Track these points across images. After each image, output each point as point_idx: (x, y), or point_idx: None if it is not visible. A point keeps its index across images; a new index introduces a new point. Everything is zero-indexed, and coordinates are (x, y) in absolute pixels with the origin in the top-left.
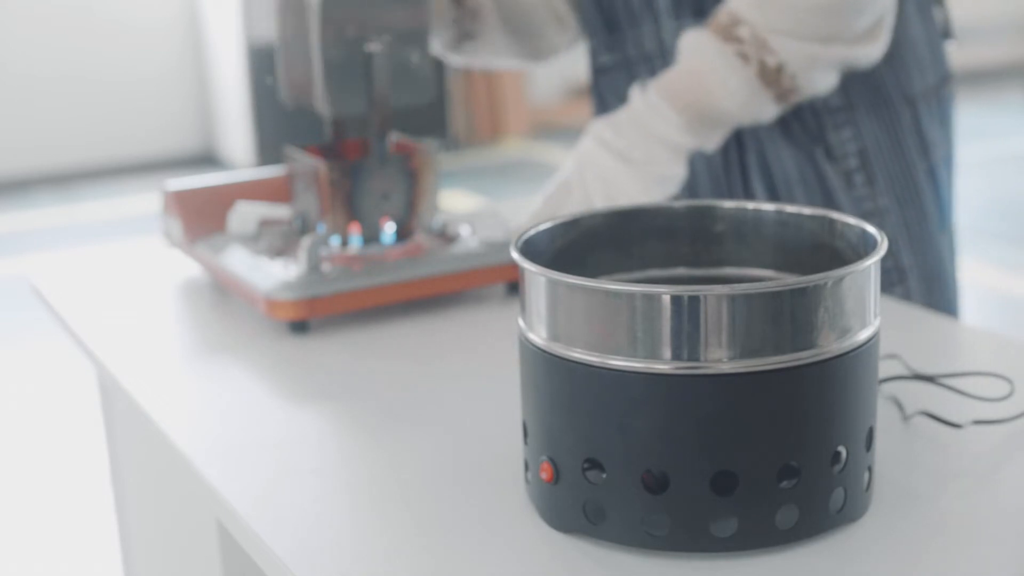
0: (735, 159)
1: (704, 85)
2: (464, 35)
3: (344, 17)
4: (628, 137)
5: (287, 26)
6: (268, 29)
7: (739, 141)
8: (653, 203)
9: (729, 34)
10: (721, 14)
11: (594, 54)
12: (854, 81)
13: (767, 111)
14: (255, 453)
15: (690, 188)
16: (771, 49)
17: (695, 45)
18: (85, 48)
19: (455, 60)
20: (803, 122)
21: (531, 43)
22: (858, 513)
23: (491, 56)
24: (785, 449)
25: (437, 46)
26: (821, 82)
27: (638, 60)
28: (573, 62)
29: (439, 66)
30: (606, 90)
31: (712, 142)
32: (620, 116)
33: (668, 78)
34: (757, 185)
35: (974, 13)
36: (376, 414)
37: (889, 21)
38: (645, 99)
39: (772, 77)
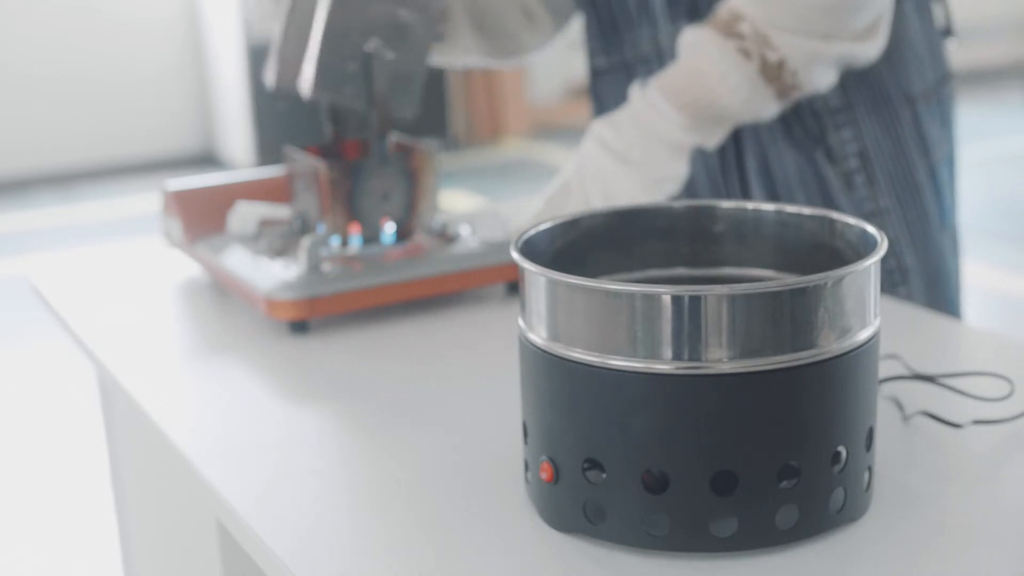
0: (733, 162)
1: (705, 82)
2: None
3: (351, 13)
4: (627, 137)
5: (296, 7)
6: (268, 29)
7: (738, 144)
8: (653, 203)
9: (730, 30)
10: (721, 11)
11: (591, 56)
12: (853, 81)
13: (768, 108)
14: (255, 453)
15: (688, 191)
16: (772, 45)
17: (695, 42)
18: (85, 48)
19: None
20: (803, 123)
21: (501, 42)
22: (858, 513)
23: (461, 55)
24: (785, 449)
25: None
26: (821, 79)
27: (635, 63)
28: (573, 62)
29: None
30: (604, 92)
31: (713, 140)
32: (620, 115)
33: (668, 76)
34: (756, 188)
35: (974, 12)
36: (376, 414)
37: (887, 20)
38: (645, 97)
39: (773, 73)
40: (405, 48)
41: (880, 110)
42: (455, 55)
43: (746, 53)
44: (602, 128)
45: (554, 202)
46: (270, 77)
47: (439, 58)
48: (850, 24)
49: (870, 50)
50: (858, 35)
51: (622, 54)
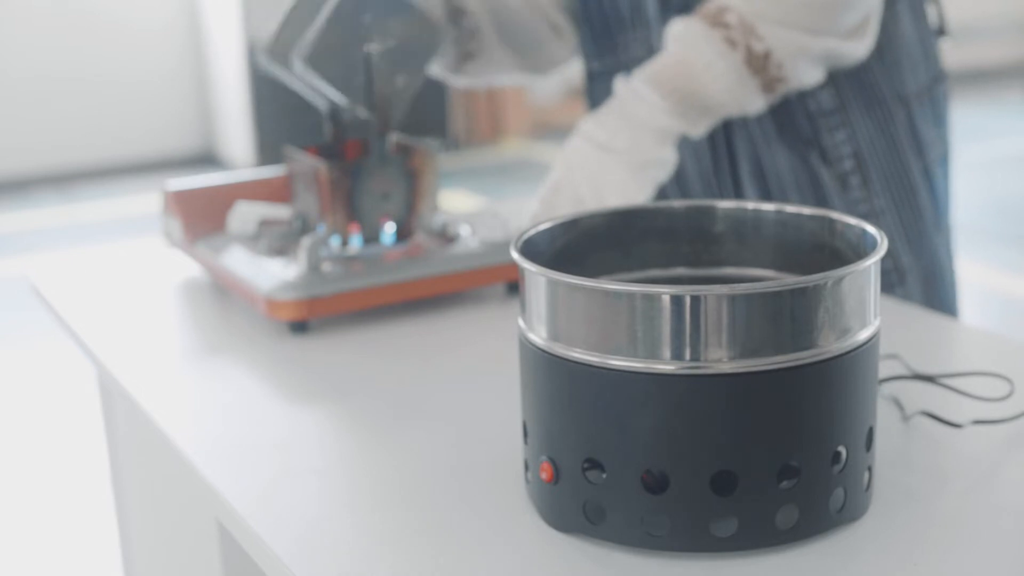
0: (726, 163)
1: (690, 70)
2: (465, 55)
3: (352, 20)
4: (611, 127)
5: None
6: (268, 29)
7: (731, 145)
8: (653, 203)
9: (717, 20)
10: (709, 4)
11: (586, 60)
12: (847, 82)
13: (754, 101)
14: (255, 453)
15: (681, 192)
16: (759, 35)
17: (682, 32)
18: (85, 48)
19: (458, 82)
20: (797, 126)
21: (531, 57)
22: (858, 513)
23: (493, 73)
24: (785, 449)
25: (439, 69)
26: (807, 74)
27: (628, 66)
28: (572, 63)
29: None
30: (599, 95)
31: (698, 129)
32: (604, 109)
33: (653, 65)
34: (750, 189)
35: (974, 12)
36: (376, 414)
37: (875, 21)
38: (628, 87)
39: (759, 64)
40: (404, 60)
41: (874, 111)
42: (488, 72)
43: (732, 42)
44: (587, 123)
45: (548, 202)
46: (263, 45)
47: (472, 78)
48: (838, 21)
49: (858, 49)
50: (846, 33)
51: (616, 57)
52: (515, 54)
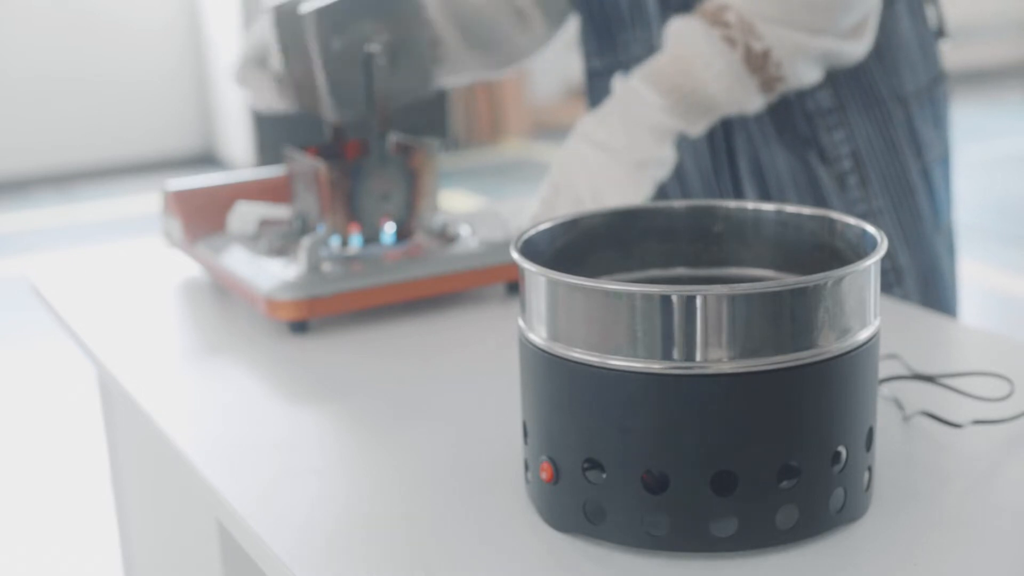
0: (725, 163)
1: (689, 69)
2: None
3: (339, 26)
4: (610, 126)
5: (285, 37)
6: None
7: (730, 145)
8: (653, 203)
9: (716, 19)
10: (709, 2)
11: (586, 58)
12: (846, 82)
13: (752, 101)
14: (255, 453)
15: (681, 192)
16: (758, 34)
17: (681, 31)
18: (85, 48)
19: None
20: (795, 125)
21: (497, 53)
22: (858, 513)
23: (460, 75)
24: (785, 449)
25: None
26: (806, 74)
27: (628, 64)
28: (572, 63)
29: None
30: (599, 94)
31: (697, 128)
32: (603, 108)
33: (652, 64)
34: (749, 189)
35: (974, 12)
36: (376, 414)
37: (874, 21)
38: (627, 86)
39: (758, 63)
40: (402, 43)
41: (873, 111)
42: (454, 74)
43: (731, 41)
44: (586, 122)
45: (548, 202)
46: (290, 103)
47: (440, 81)
48: (837, 21)
49: (856, 49)
50: (845, 33)
51: (616, 56)
52: (481, 54)
